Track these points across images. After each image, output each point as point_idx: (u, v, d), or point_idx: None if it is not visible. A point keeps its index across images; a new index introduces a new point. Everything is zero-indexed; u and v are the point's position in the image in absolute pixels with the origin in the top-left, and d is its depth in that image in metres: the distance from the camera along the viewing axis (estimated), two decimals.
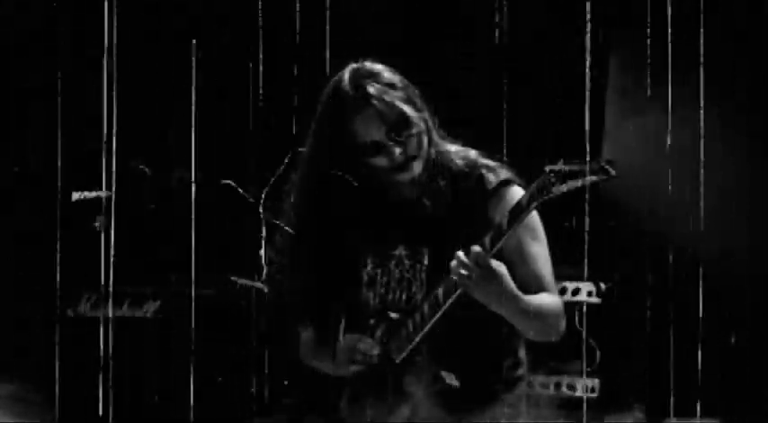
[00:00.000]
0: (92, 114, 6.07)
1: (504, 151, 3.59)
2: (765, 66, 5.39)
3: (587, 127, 5.60)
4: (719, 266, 5.32)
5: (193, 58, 5.95)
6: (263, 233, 3.67)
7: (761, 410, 5.07)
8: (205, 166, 5.87)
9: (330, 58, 3.54)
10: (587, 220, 5.34)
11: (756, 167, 5.42)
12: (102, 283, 5.46)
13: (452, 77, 5.66)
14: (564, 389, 5.38)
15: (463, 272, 3.25)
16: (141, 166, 5.74)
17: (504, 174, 3.47)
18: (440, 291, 3.35)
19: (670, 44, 5.28)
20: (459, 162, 3.49)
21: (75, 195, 5.70)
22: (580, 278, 5.40)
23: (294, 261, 3.55)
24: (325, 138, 3.48)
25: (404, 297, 3.49)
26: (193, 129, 6.06)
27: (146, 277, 5.59)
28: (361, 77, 3.44)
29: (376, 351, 3.45)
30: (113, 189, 5.69)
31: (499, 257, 3.28)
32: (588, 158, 3.16)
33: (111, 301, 5.44)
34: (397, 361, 3.43)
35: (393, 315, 3.47)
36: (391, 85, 3.44)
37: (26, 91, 6.15)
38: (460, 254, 3.26)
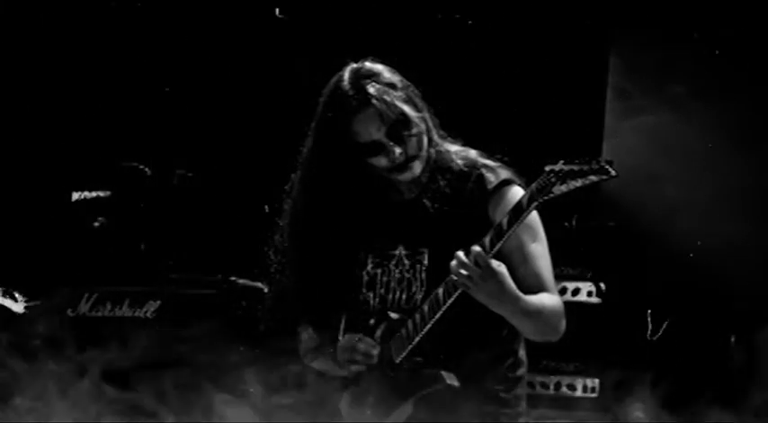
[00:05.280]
0: (91, 114, 6.07)
1: (505, 151, 3.58)
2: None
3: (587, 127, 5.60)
4: (718, 265, 5.32)
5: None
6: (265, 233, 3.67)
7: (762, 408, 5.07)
8: (205, 165, 5.88)
9: (330, 58, 3.53)
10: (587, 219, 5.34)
11: (757, 167, 5.42)
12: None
13: (452, 77, 5.67)
14: (564, 389, 5.38)
15: (463, 272, 3.24)
16: (141, 166, 5.74)
17: (504, 174, 3.47)
18: (440, 291, 3.34)
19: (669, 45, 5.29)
20: (460, 162, 3.49)
21: (76, 195, 5.70)
22: (580, 278, 5.41)
23: (294, 261, 3.55)
24: (325, 138, 3.47)
25: (404, 297, 3.49)
26: (193, 128, 6.07)
27: (146, 277, 5.59)
28: (361, 77, 3.44)
29: (376, 351, 3.45)
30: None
31: (499, 257, 3.27)
32: (588, 158, 3.16)
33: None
34: (397, 361, 3.43)
35: (393, 315, 3.46)
36: (391, 85, 3.43)
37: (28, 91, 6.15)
38: (460, 254, 3.26)
